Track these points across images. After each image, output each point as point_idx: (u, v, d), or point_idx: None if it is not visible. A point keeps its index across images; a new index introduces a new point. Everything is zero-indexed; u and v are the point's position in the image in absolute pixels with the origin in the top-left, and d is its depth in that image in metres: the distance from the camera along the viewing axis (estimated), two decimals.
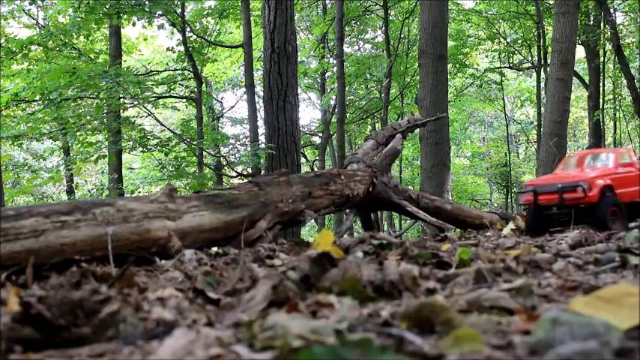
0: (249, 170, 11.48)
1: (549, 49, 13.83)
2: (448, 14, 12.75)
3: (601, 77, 18.39)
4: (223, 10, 15.48)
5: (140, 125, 12.62)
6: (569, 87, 11.90)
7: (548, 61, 14.47)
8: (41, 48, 13.23)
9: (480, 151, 28.90)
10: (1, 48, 12.37)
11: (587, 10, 16.44)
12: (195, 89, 15.51)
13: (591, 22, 17.13)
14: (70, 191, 17.93)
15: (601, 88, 18.38)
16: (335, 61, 15.92)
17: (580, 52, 17.57)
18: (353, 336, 1.06)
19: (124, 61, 15.81)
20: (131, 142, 12.42)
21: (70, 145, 16.36)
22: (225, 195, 3.82)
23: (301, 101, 21.60)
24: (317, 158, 20.17)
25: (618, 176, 6.36)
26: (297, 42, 10.21)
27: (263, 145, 9.19)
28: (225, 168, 14.76)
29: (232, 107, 26.68)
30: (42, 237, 2.60)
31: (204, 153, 13.29)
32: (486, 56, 22.74)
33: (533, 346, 1.06)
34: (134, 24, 13.20)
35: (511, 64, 22.31)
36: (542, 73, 18.23)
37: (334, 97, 17.32)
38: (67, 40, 13.29)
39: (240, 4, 12.34)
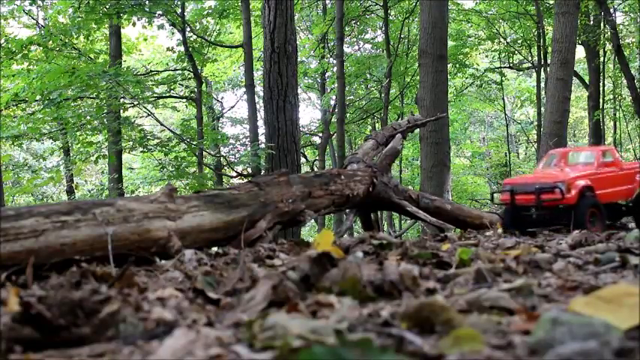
0: (249, 170, 11.47)
1: (549, 49, 13.84)
2: (448, 14, 12.76)
3: (601, 77, 18.37)
4: (223, 10, 15.48)
5: (140, 125, 12.63)
6: (569, 87, 11.90)
7: (548, 61, 14.48)
8: (41, 48, 13.23)
9: (479, 151, 28.91)
10: (1, 48, 12.36)
11: (587, 10, 16.42)
12: (195, 89, 15.51)
13: (591, 22, 17.12)
14: (70, 191, 17.94)
15: (601, 88, 18.37)
16: (335, 61, 15.92)
17: (580, 52, 17.55)
18: (353, 336, 1.07)
19: (124, 61, 15.80)
20: (131, 142, 12.41)
21: (70, 145, 16.37)
22: (225, 195, 3.82)
23: (301, 101, 21.59)
24: (317, 158, 20.15)
25: (599, 176, 6.18)
26: (297, 42, 10.22)
27: (263, 145, 9.19)
28: (225, 168, 14.74)
29: (232, 107, 26.73)
30: (42, 237, 2.60)
31: (204, 153, 13.29)
32: (486, 56, 22.74)
33: (533, 346, 1.06)
34: (134, 24, 13.20)
35: (511, 64, 22.30)
36: (542, 73, 18.23)
37: (334, 97, 17.32)
38: (67, 40, 13.31)
39: (240, 4, 12.34)
